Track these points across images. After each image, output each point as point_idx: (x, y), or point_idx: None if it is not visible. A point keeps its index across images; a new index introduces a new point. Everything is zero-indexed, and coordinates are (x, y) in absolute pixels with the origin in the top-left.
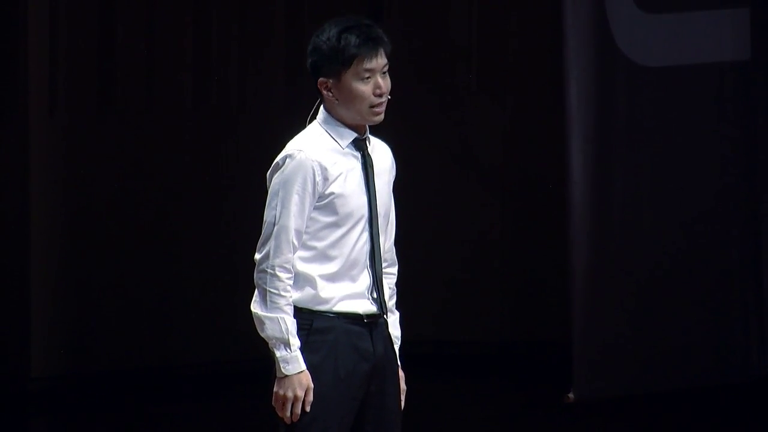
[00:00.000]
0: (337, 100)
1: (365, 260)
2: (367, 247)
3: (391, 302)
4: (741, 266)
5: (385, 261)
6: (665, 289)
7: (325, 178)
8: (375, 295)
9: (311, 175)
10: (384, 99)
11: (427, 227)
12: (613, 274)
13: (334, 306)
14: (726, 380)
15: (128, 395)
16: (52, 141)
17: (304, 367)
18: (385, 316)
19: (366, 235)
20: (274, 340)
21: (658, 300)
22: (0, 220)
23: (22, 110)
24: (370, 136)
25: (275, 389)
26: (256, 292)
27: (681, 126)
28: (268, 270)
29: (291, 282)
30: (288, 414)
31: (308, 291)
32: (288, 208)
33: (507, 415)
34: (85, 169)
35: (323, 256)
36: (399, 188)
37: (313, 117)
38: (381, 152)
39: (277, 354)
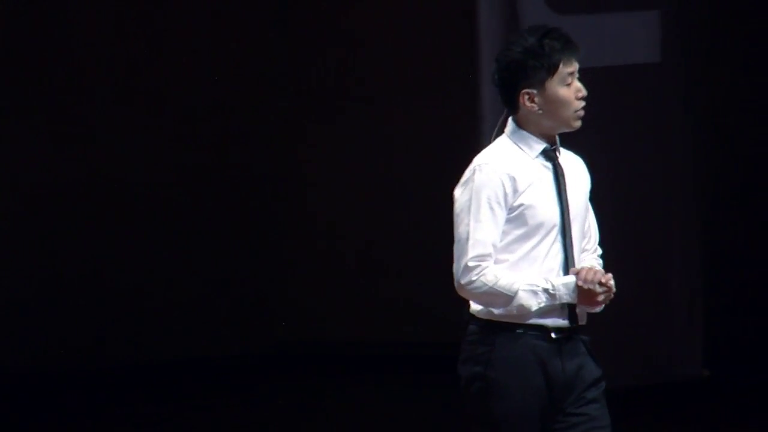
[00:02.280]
0: (541, 110)
1: (558, 271)
2: (560, 257)
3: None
4: (656, 269)
5: (586, 250)
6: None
7: (515, 190)
8: (567, 309)
9: (501, 187)
10: (584, 102)
11: None
12: None
13: (524, 320)
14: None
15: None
16: None
17: (568, 283)
18: (580, 329)
19: (558, 246)
20: (537, 306)
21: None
22: None
23: None
24: (560, 147)
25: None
26: (477, 301)
27: (596, 128)
28: (474, 281)
29: (495, 268)
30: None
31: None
32: (480, 221)
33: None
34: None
35: (515, 269)
36: None
37: (500, 132)
38: (573, 163)
39: (550, 303)
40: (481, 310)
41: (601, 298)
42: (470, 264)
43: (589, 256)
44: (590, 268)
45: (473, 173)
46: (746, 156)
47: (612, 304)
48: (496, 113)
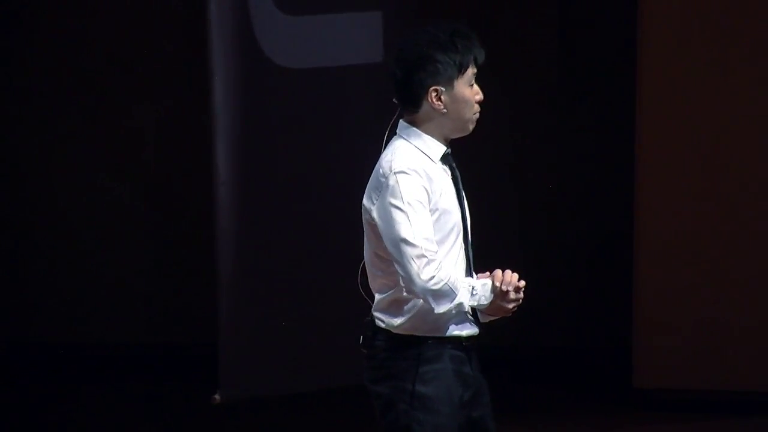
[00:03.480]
0: (446, 109)
1: (462, 275)
2: (463, 265)
3: None
4: None
5: None
6: (309, 289)
7: (433, 192)
8: (472, 316)
9: (424, 192)
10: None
11: None
12: (260, 276)
13: (442, 332)
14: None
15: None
16: None
17: (486, 284)
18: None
19: (462, 252)
20: (467, 306)
21: (303, 300)
22: None
23: None
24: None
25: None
26: (431, 300)
27: (323, 127)
28: (435, 276)
29: (443, 271)
30: (514, 296)
31: (417, 317)
32: (419, 220)
33: (156, 416)
34: None
35: None
36: None
37: (391, 134)
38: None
39: (471, 304)
40: (401, 324)
41: (512, 305)
42: (430, 257)
43: None
44: (506, 271)
45: (396, 179)
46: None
47: None
48: (228, 110)
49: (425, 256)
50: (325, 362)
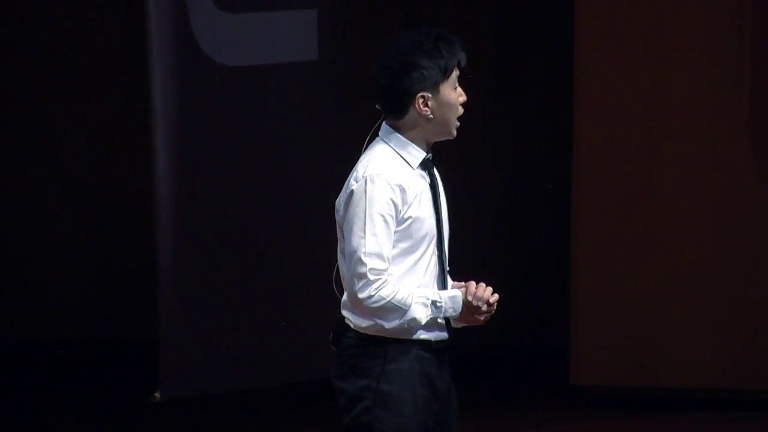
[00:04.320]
0: (432, 114)
1: (433, 284)
2: (435, 271)
3: None
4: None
5: None
6: (249, 286)
7: (404, 202)
8: (444, 321)
9: (393, 200)
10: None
11: None
12: (200, 272)
13: (408, 336)
14: (307, 378)
15: None
16: None
17: (454, 296)
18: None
19: (435, 259)
20: (425, 320)
21: (242, 298)
22: None
23: None
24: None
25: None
26: (374, 317)
27: (261, 124)
28: (373, 296)
29: (392, 282)
30: (486, 308)
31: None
32: (376, 234)
33: (95, 414)
34: None
35: (400, 283)
36: None
37: (373, 137)
38: (436, 173)
39: (435, 316)
40: (368, 326)
41: (483, 317)
42: (371, 278)
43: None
44: (479, 285)
45: (365, 184)
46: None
47: None
48: (167, 108)
49: (367, 276)
50: (266, 359)
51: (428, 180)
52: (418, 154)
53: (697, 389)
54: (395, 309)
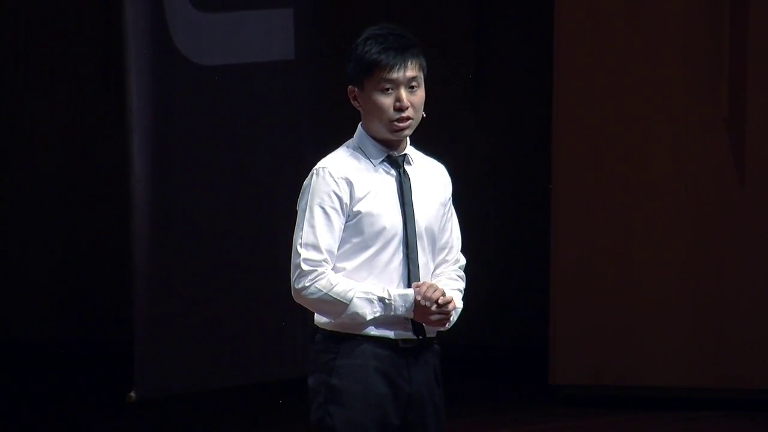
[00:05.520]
0: (362, 110)
1: (399, 283)
2: (402, 270)
3: (452, 283)
4: None
5: (446, 261)
6: (224, 287)
7: (352, 196)
8: (411, 321)
9: (337, 192)
10: (406, 114)
11: None
12: (176, 273)
13: (359, 331)
14: (281, 376)
15: None
16: None
17: (405, 295)
18: (429, 341)
19: (400, 257)
20: (372, 316)
21: (217, 298)
22: None
23: None
24: (411, 154)
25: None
26: (312, 309)
27: (238, 124)
28: (308, 287)
29: (331, 275)
30: (436, 309)
31: None
32: (314, 226)
33: (70, 414)
34: None
35: (353, 277)
36: None
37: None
38: (429, 170)
39: (385, 314)
40: (327, 321)
41: (434, 318)
42: (305, 268)
43: (449, 267)
44: (431, 285)
45: (311, 177)
46: None
47: None
48: (143, 108)
49: (301, 267)
50: (241, 359)
51: (396, 176)
52: (374, 149)
53: (673, 388)
54: (334, 302)
